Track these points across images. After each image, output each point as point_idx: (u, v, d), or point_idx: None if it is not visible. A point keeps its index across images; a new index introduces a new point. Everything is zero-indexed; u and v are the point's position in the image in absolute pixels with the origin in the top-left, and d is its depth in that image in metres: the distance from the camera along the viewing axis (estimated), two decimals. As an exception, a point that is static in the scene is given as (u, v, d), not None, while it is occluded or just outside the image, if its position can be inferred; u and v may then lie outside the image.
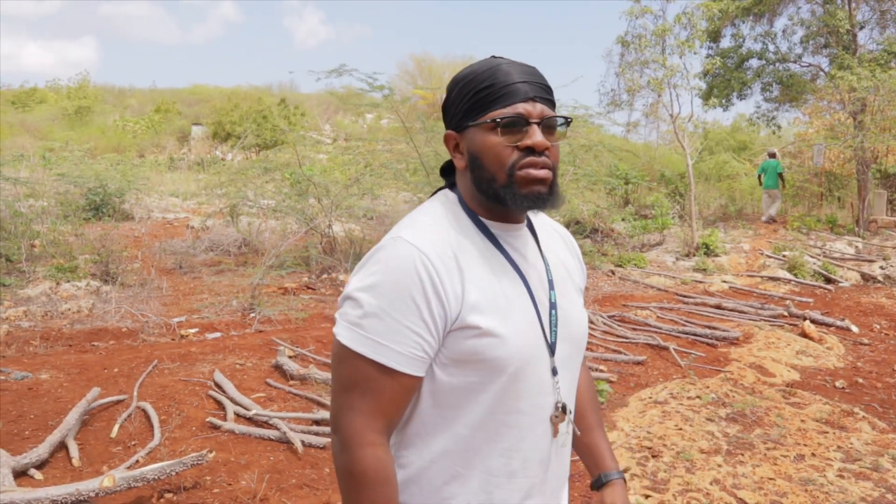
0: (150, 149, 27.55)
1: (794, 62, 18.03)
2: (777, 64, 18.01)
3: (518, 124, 1.23)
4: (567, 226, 12.55)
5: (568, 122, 1.30)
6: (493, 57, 1.32)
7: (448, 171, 1.43)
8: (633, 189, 16.28)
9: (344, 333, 1.22)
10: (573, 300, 1.42)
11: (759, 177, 16.63)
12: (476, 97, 1.26)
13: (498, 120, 1.23)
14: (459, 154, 1.32)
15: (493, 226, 1.32)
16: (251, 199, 11.40)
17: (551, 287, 1.35)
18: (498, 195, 1.25)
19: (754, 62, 18.28)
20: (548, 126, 1.26)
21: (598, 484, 1.52)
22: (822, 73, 17.41)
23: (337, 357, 1.25)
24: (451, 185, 1.40)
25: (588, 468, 1.57)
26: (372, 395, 1.21)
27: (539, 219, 1.47)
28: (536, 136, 1.23)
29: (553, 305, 1.34)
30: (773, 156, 16.57)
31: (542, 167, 1.24)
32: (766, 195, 16.30)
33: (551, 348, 1.32)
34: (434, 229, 1.27)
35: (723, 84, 18.08)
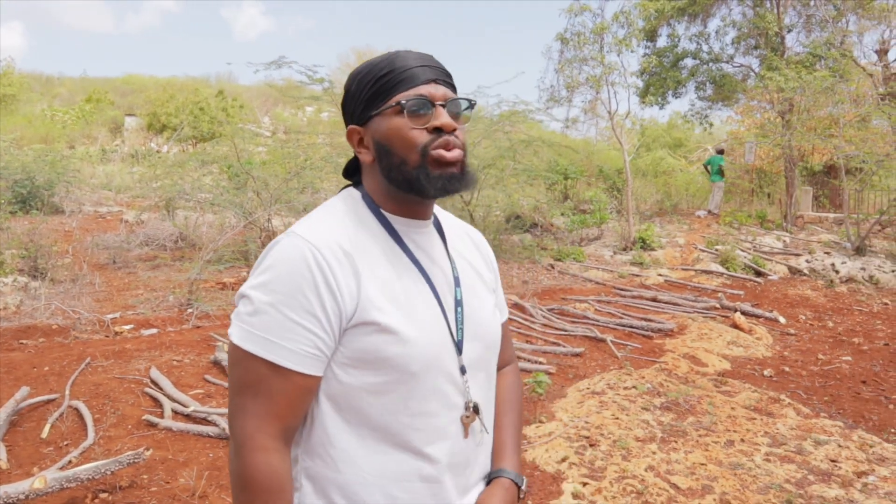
0: (81, 140, 26.60)
1: (727, 62, 18.65)
2: (710, 64, 18.60)
3: (424, 107, 1.21)
4: (507, 220, 12.72)
5: (472, 104, 1.29)
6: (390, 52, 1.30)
7: (351, 171, 1.39)
8: (572, 184, 16.54)
9: (236, 332, 1.16)
10: (482, 299, 1.38)
11: (707, 168, 17.54)
12: (377, 85, 1.23)
13: (403, 102, 1.20)
14: (364, 148, 1.28)
15: (398, 221, 1.29)
16: (188, 193, 11.15)
17: (457, 284, 1.32)
18: (410, 179, 1.21)
19: (689, 61, 18.86)
20: (452, 109, 1.24)
21: (487, 481, 1.40)
22: (752, 73, 18.03)
23: (231, 358, 1.18)
24: (356, 185, 1.36)
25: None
26: (264, 397, 1.14)
27: (449, 220, 1.44)
28: (444, 117, 1.21)
29: (458, 303, 1.30)
30: (720, 152, 17.26)
31: (454, 147, 1.22)
32: (714, 187, 17.13)
33: (458, 346, 1.27)
34: (329, 224, 1.22)
35: (659, 82, 18.56)
